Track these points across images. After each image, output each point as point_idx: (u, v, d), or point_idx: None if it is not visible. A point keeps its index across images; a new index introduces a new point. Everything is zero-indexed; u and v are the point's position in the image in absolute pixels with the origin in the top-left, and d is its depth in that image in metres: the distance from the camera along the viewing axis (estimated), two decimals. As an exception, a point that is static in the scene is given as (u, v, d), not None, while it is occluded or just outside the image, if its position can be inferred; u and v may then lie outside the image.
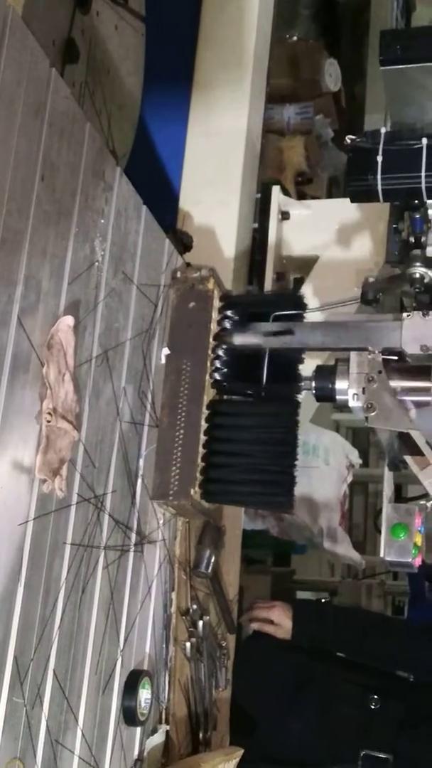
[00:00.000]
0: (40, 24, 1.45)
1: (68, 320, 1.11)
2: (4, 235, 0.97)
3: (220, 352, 1.43)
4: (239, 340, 1.43)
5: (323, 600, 2.96)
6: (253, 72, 1.97)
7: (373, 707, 1.68)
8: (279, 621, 1.80)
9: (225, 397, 1.45)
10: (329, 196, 2.94)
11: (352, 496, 3.47)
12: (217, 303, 1.46)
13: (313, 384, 1.39)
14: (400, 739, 1.63)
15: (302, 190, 2.75)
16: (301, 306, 1.44)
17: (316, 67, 2.74)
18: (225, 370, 1.42)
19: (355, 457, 2.74)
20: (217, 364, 1.42)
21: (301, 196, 2.74)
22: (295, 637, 1.80)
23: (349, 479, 2.75)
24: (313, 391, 1.40)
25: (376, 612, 3.21)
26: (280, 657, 1.83)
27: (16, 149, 1.01)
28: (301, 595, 3.52)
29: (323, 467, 2.60)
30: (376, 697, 1.68)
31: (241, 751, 1.49)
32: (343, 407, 1.39)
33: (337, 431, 3.55)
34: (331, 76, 2.77)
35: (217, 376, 1.42)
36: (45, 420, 1.06)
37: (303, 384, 1.41)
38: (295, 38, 2.78)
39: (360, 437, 3.93)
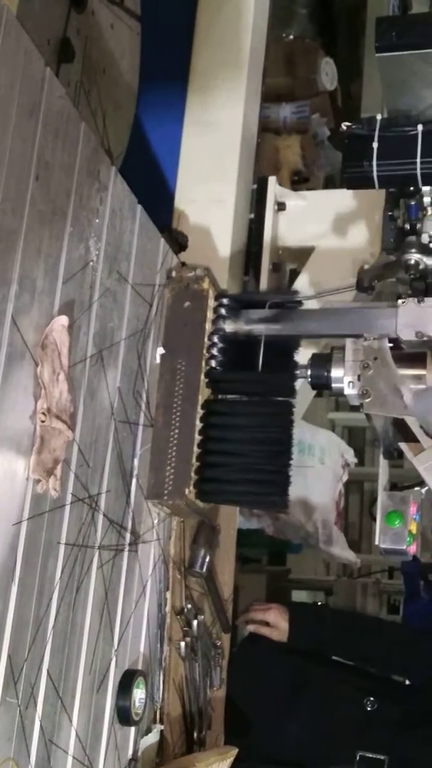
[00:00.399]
0: (36, 23, 1.45)
1: (63, 320, 1.11)
2: (-2, 234, 0.97)
3: (215, 351, 1.42)
4: (232, 326, 1.42)
5: (319, 603, 2.96)
6: (248, 71, 1.97)
7: (369, 709, 1.68)
8: (275, 623, 1.80)
9: (220, 396, 1.45)
10: (325, 195, 2.93)
11: (348, 495, 3.48)
12: (212, 303, 1.46)
13: (309, 372, 1.40)
14: (396, 741, 1.63)
15: (298, 188, 2.75)
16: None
17: (313, 66, 2.74)
18: (221, 359, 1.42)
19: (350, 456, 2.75)
20: (214, 352, 1.42)
21: (297, 195, 2.74)
22: (291, 639, 1.80)
23: (345, 478, 2.76)
24: (309, 380, 1.40)
25: (372, 615, 3.22)
26: (277, 659, 1.83)
27: (11, 149, 1.00)
28: (297, 594, 3.53)
29: (319, 466, 2.60)
30: (372, 698, 1.68)
31: (235, 751, 1.50)
32: (339, 395, 1.39)
33: (333, 430, 3.56)
34: (328, 75, 2.77)
35: (213, 363, 1.41)
36: (39, 420, 1.06)
37: (299, 372, 1.41)
38: (291, 37, 2.78)
39: (356, 436, 3.93)
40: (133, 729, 1.29)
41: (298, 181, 2.72)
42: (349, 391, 1.36)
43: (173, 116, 1.91)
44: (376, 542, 1.44)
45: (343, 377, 1.36)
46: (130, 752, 1.29)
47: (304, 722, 1.71)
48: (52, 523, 1.08)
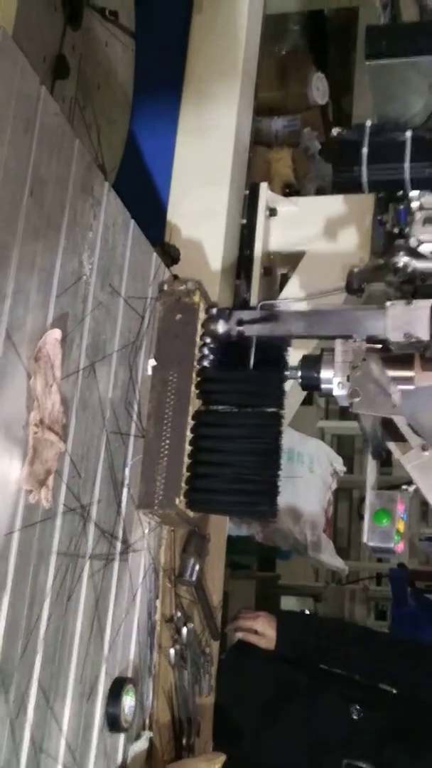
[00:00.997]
0: (31, 40, 1.47)
1: (55, 333, 1.13)
2: (-7, 249, 0.99)
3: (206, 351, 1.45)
4: (223, 327, 1.44)
5: (308, 611, 2.98)
6: (241, 85, 2.00)
7: (355, 717, 1.69)
8: (263, 631, 1.82)
9: (210, 407, 1.47)
10: (316, 207, 2.97)
11: (337, 502, 3.51)
12: (202, 315, 1.48)
13: (299, 373, 1.42)
14: (382, 749, 1.65)
15: (289, 200, 2.78)
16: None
17: (304, 81, 2.78)
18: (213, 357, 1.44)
19: (339, 464, 2.77)
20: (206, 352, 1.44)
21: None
22: (279, 647, 1.81)
23: (334, 486, 2.78)
24: (299, 380, 1.42)
25: (360, 625, 3.24)
26: (264, 667, 1.84)
27: (5, 165, 1.02)
28: (286, 599, 3.55)
29: (308, 475, 2.62)
30: (358, 707, 1.70)
31: (223, 757, 1.51)
32: (329, 396, 1.41)
33: (323, 438, 3.59)
34: (319, 89, 2.81)
35: (205, 363, 1.43)
36: (32, 431, 1.08)
37: (289, 373, 1.43)
38: (283, 52, 2.82)
39: (345, 444, 3.96)
40: (122, 736, 1.31)
41: (289, 194, 2.75)
42: (339, 391, 1.38)
43: (166, 130, 1.93)
44: (364, 540, 1.46)
45: (333, 378, 1.38)
46: (120, 759, 1.31)
47: (290, 730, 1.72)
48: (43, 533, 1.10)
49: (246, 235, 1.94)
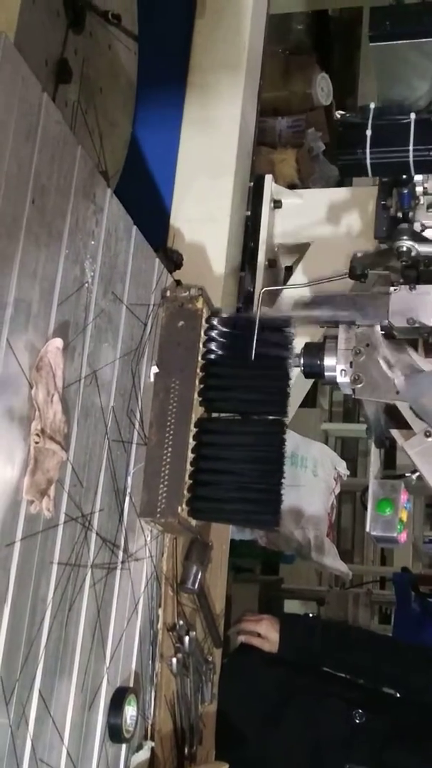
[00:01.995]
0: (34, 44, 1.46)
1: (57, 342, 1.12)
2: (-6, 258, 0.99)
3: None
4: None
5: (311, 614, 2.97)
6: (245, 87, 1.99)
7: (357, 721, 1.69)
8: (266, 634, 1.81)
9: (213, 415, 1.46)
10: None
11: (340, 505, 3.50)
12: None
13: (302, 361, 1.41)
14: (384, 754, 1.64)
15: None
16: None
17: (309, 81, 2.77)
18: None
19: (342, 468, 2.76)
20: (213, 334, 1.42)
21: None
22: (282, 650, 1.81)
23: (337, 490, 2.77)
24: (302, 368, 1.41)
25: (363, 628, 3.23)
26: (266, 670, 1.84)
27: (7, 173, 1.02)
28: (289, 603, 3.54)
29: (311, 479, 2.61)
30: (360, 711, 1.69)
31: (226, 766, 1.51)
32: (332, 383, 1.40)
33: (326, 441, 3.58)
34: (323, 90, 2.80)
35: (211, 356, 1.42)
36: (33, 441, 1.07)
37: (292, 361, 1.42)
38: (287, 52, 2.81)
39: (348, 447, 3.95)
40: (124, 746, 1.30)
41: (294, 195, 2.74)
42: (342, 379, 1.38)
43: (169, 133, 1.92)
44: (367, 529, 1.45)
45: (336, 365, 1.38)
46: (121, 769, 1.30)
47: (292, 734, 1.71)
48: (45, 543, 1.09)
49: (250, 227, 1.93)
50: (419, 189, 1.41)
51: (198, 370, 1.43)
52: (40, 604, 1.08)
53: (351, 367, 1.35)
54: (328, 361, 1.38)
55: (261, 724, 1.75)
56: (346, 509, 3.97)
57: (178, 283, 1.55)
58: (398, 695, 1.89)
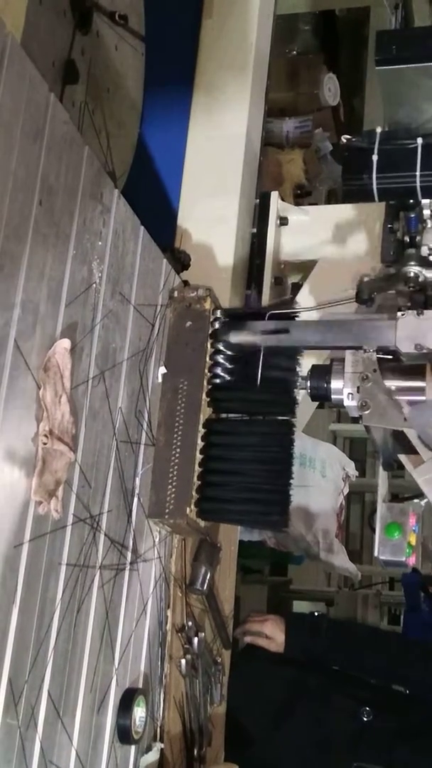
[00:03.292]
0: (41, 45, 1.46)
1: (65, 343, 1.12)
2: (1, 259, 0.98)
3: (218, 366, 1.43)
4: (235, 338, 1.43)
5: (317, 613, 2.96)
6: (252, 88, 1.99)
7: (365, 719, 1.68)
8: (272, 634, 1.81)
9: (221, 415, 1.46)
10: (328, 208, 2.95)
11: (349, 506, 3.49)
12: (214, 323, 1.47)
13: (309, 384, 1.40)
14: (393, 752, 1.63)
15: (301, 203, 2.76)
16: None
17: (316, 81, 2.76)
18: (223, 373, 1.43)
19: (351, 468, 2.75)
20: (217, 369, 1.43)
21: (300, 208, 2.76)
22: (288, 650, 1.80)
23: (346, 491, 2.76)
24: (309, 391, 1.40)
25: (370, 625, 3.22)
26: (273, 670, 1.84)
27: (15, 174, 1.02)
28: (298, 604, 3.53)
29: (320, 479, 2.60)
30: (368, 709, 1.69)
31: (235, 768, 1.50)
32: (339, 407, 1.40)
33: (334, 442, 3.56)
34: (330, 90, 2.79)
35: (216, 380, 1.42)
36: (41, 442, 1.07)
37: (298, 383, 1.42)
38: (294, 53, 2.80)
39: (357, 447, 3.94)
40: (133, 747, 1.30)
41: (301, 195, 2.74)
42: (349, 402, 1.37)
43: (176, 134, 1.93)
44: (375, 554, 1.45)
45: (343, 389, 1.37)
46: (130, 771, 1.30)
47: (299, 733, 1.71)
48: (53, 544, 1.09)
49: (257, 245, 1.93)
50: (426, 212, 1.40)
51: (206, 371, 1.43)
52: (48, 605, 1.08)
53: (358, 392, 1.34)
54: (335, 384, 1.37)
55: (268, 724, 1.74)
56: (355, 510, 3.96)
57: (185, 283, 1.55)
58: (407, 692, 1.88)
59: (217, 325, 1.45)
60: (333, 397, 1.38)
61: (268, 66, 2.09)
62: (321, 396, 1.39)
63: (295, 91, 2.73)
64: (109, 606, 1.23)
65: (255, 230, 1.95)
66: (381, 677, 1.87)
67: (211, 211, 1.86)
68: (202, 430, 1.41)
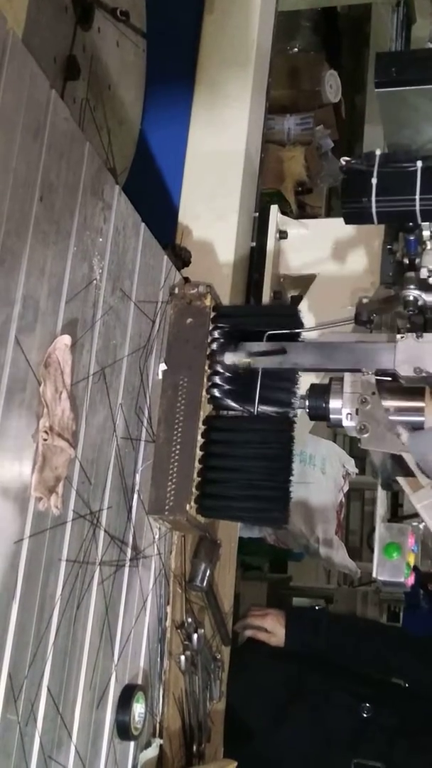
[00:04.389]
0: (42, 41, 1.46)
1: (65, 339, 1.12)
2: (2, 255, 0.98)
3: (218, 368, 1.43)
4: (231, 359, 1.43)
5: (317, 607, 2.97)
6: (253, 85, 1.99)
7: (365, 715, 1.69)
8: (272, 629, 1.82)
9: (221, 412, 1.46)
10: (329, 206, 2.95)
11: (349, 503, 3.48)
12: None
13: (307, 403, 1.39)
14: (392, 748, 1.63)
15: (302, 200, 2.76)
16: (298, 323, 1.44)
17: (317, 79, 2.76)
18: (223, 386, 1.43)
19: (351, 466, 2.75)
20: (216, 380, 1.43)
21: (301, 206, 2.76)
22: (288, 644, 1.81)
23: (346, 488, 2.76)
24: (307, 410, 1.40)
25: (371, 619, 3.22)
26: (273, 665, 1.84)
27: (15, 171, 1.02)
28: (298, 601, 3.53)
29: (320, 476, 2.61)
30: (368, 705, 1.69)
31: (234, 764, 1.50)
32: (338, 426, 1.39)
33: (335, 438, 3.56)
34: (332, 87, 2.78)
35: (216, 392, 1.42)
36: (41, 438, 1.07)
37: (297, 403, 1.41)
38: (295, 50, 2.79)
39: (357, 445, 3.93)
40: (132, 744, 1.30)
41: (302, 192, 2.74)
42: (348, 423, 1.36)
43: (178, 131, 1.92)
44: (374, 575, 1.44)
45: (342, 408, 1.36)
46: (130, 767, 1.30)
47: (299, 729, 1.71)
48: (53, 541, 1.09)
49: (256, 259, 1.92)
50: (426, 233, 1.39)
51: (206, 368, 1.43)
52: (48, 601, 1.08)
53: (357, 414, 1.33)
54: (334, 403, 1.37)
55: (268, 719, 1.75)
56: (355, 507, 3.96)
57: (186, 280, 1.55)
58: (406, 685, 1.88)
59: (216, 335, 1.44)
60: (332, 417, 1.37)
61: (270, 63, 2.09)
62: (319, 416, 1.38)
63: (297, 88, 2.73)
64: (109, 602, 1.23)
65: (254, 244, 1.93)
66: (381, 670, 1.87)
67: (212, 208, 1.86)
68: (202, 427, 1.41)
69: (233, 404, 1.43)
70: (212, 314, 1.46)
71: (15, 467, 1.02)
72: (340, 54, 3.04)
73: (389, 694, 1.82)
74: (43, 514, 1.07)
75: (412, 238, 1.36)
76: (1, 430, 0.98)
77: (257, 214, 1.95)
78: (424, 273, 1.35)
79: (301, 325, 1.45)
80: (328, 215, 2.87)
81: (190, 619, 1.49)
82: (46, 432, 1.07)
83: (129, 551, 1.30)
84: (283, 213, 2.50)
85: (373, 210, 1.33)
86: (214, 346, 1.43)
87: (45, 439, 1.07)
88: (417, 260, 1.37)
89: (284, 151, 2.67)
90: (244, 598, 2.51)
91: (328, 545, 2.61)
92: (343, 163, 1.36)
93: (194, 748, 1.47)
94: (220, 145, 1.90)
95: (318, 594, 3.59)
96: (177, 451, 1.39)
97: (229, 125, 1.92)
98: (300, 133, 2.70)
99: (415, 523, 1.41)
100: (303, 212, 2.77)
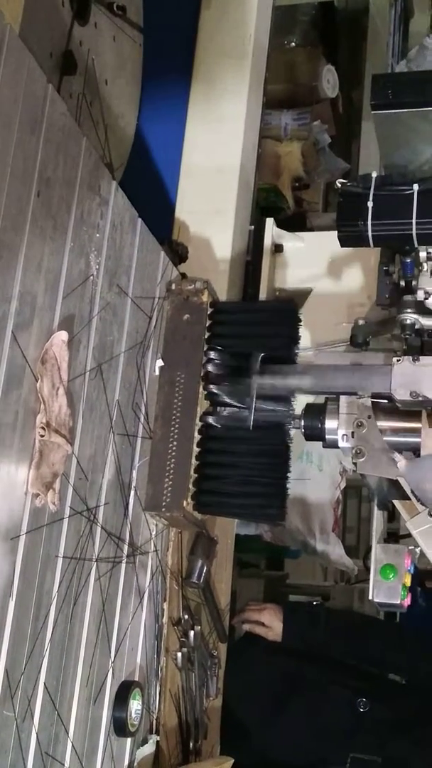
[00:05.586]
0: (39, 36, 1.45)
1: (62, 335, 1.12)
2: (-1, 251, 0.98)
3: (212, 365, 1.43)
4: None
5: (315, 602, 2.97)
6: (251, 80, 1.98)
7: (361, 710, 1.69)
8: (270, 623, 1.82)
9: (218, 408, 1.45)
10: (326, 201, 2.94)
11: (346, 500, 3.48)
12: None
13: (302, 423, 1.38)
14: (388, 742, 1.64)
15: (299, 195, 2.76)
16: (295, 324, 1.43)
17: (314, 74, 2.75)
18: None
19: (348, 463, 2.75)
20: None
21: (298, 201, 2.75)
22: (286, 639, 1.81)
23: (343, 485, 2.76)
24: (302, 430, 1.39)
25: (368, 614, 3.22)
26: (270, 659, 1.84)
27: (12, 166, 1.01)
28: (294, 599, 3.53)
29: (317, 473, 2.60)
30: (364, 700, 1.69)
31: (231, 761, 1.51)
32: (333, 447, 1.38)
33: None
34: (329, 82, 2.78)
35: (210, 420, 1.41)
36: (38, 434, 1.07)
37: (292, 423, 1.40)
38: (293, 44, 2.79)
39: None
40: (129, 740, 1.30)
41: (299, 188, 2.73)
42: (344, 444, 1.35)
43: (175, 126, 1.92)
44: (370, 596, 1.43)
45: (337, 429, 1.35)
46: (126, 763, 1.30)
47: (295, 724, 1.72)
48: (50, 537, 1.09)
49: (251, 272, 1.90)
50: (423, 254, 1.37)
51: (203, 364, 1.43)
52: (45, 598, 1.08)
53: (353, 436, 1.32)
54: (330, 423, 1.35)
55: (265, 714, 1.75)
56: (352, 504, 3.96)
57: (183, 276, 1.54)
58: (403, 682, 1.89)
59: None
60: (327, 437, 1.36)
61: (267, 57, 2.08)
62: (315, 436, 1.37)
63: (294, 83, 2.72)
64: (106, 599, 1.23)
65: (249, 258, 1.91)
66: (378, 665, 1.88)
67: (208, 203, 1.85)
68: (199, 423, 1.41)
69: (230, 401, 1.42)
70: (209, 310, 1.46)
71: (12, 463, 1.02)
72: (338, 49, 3.03)
73: (386, 689, 1.83)
74: (40, 510, 1.07)
75: (408, 260, 1.34)
76: (-2, 427, 0.98)
77: (252, 227, 1.92)
78: (420, 295, 1.34)
79: (298, 321, 1.44)
80: (325, 210, 2.86)
81: (186, 616, 1.49)
82: (43, 428, 1.07)
83: (126, 548, 1.30)
84: (280, 208, 2.49)
85: (369, 233, 1.32)
86: (210, 367, 1.41)
87: (42, 436, 1.07)
88: (413, 282, 1.35)
89: (281, 147, 2.66)
90: (240, 595, 2.51)
91: (325, 542, 2.61)
92: (339, 185, 1.34)
93: (191, 744, 1.47)
94: (217, 141, 1.90)
95: (315, 591, 3.59)
96: (174, 448, 1.39)
97: (226, 120, 1.91)
98: (297, 128, 2.69)
99: (411, 547, 1.40)
100: (300, 208, 2.77)
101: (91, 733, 1.20)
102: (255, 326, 1.48)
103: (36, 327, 1.07)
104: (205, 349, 1.42)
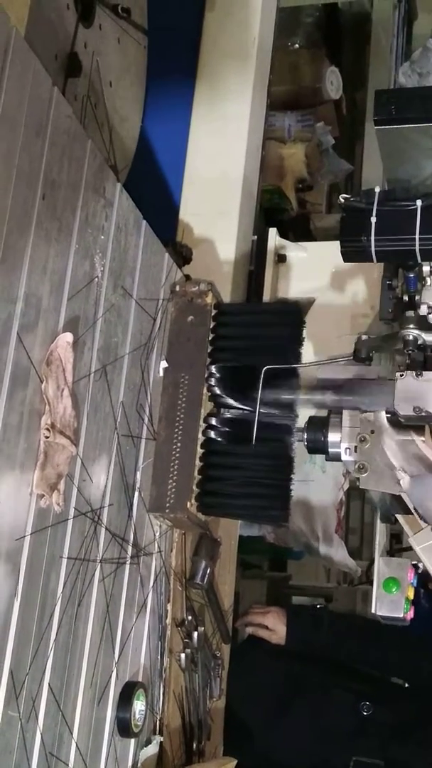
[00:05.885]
0: (44, 38, 1.46)
1: (67, 337, 1.12)
2: (4, 253, 0.98)
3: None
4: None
5: (318, 605, 2.96)
6: (254, 81, 1.98)
7: (364, 713, 1.69)
8: (273, 626, 1.82)
9: (222, 410, 1.46)
10: (329, 203, 2.94)
11: (349, 502, 3.47)
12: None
13: (305, 436, 1.38)
14: (391, 746, 1.64)
15: (302, 197, 2.76)
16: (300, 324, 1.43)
17: (318, 75, 2.75)
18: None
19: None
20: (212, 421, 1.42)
21: (302, 203, 2.75)
22: (289, 642, 1.81)
23: (346, 486, 2.75)
24: (305, 443, 1.38)
25: (372, 618, 3.22)
26: (273, 663, 1.84)
27: (18, 168, 1.01)
28: (297, 600, 3.53)
29: (320, 475, 2.60)
30: (368, 703, 1.69)
31: (234, 762, 1.51)
32: (336, 460, 1.37)
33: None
34: (333, 83, 2.77)
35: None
36: (43, 436, 1.07)
37: (295, 436, 1.39)
38: (296, 46, 2.79)
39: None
40: (132, 741, 1.30)
41: (302, 190, 2.73)
42: (347, 457, 1.34)
43: (179, 128, 1.92)
44: (372, 610, 1.43)
45: (340, 442, 1.34)
46: (130, 764, 1.30)
47: (298, 726, 1.72)
48: (54, 538, 1.10)
49: (254, 283, 1.90)
50: (426, 269, 1.37)
51: (207, 365, 1.43)
52: (49, 599, 1.08)
53: (356, 450, 1.32)
54: (333, 437, 1.35)
55: (268, 717, 1.75)
56: (355, 505, 3.95)
57: (187, 277, 1.55)
58: (406, 685, 1.89)
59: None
60: (330, 450, 1.36)
61: (271, 59, 2.08)
62: (318, 449, 1.37)
63: (297, 85, 2.72)
64: (110, 600, 1.24)
65: (252, 268, 1.90)
66: (380, 667, 1.87)
67: (213, 205, 1.85)
68: (203, 425, 1.41)
69: (234, 403, 1.42)
70: (213, 312, 1.46)
71: (17, 464, 1.02)
72: (342, 51, 3.03)
73: (388, 693, 1.83)
74: (44, 511, 1.07)
75: (411, 275, 1.34)
76: (3, 428, 0.98)
77: (255, 237, 1.91)
78: (423, 310, 1.33)
79: (302, 322, 1.44)
80: (329, 212, 2.86)
81: (190, 617, 1.49)
82: (47, 429, 1.08)
83: (130, 549, 1.31)
84: (284, 209, 2.49)
85: (373, 249, 1.31)
86: (212, 381, 1.41)
87: (47, 437, 1.07)
88: (417, 297, 1.35)
89: (285, 148, 2.66)
90: (243, 596, 2.51)
91: (328, 543, 2.61)
92: (342, 200, 1.34)
93: (194, 745, 1.47)
94: (221, 142, 1.90)
95: (318, 593, 3.58)
96: (178, 449, 1.39)
97: (230, 122, 1.91)
98: (300, 130, 2.69)
99: (414, 562, 1.39)
100: (303, 209, 2.77)
101: (95, 734, 1.20)
102: (259, 328, 1.49)
103: (41, 328, 1.07)
104: (208, 363, 1.41)
